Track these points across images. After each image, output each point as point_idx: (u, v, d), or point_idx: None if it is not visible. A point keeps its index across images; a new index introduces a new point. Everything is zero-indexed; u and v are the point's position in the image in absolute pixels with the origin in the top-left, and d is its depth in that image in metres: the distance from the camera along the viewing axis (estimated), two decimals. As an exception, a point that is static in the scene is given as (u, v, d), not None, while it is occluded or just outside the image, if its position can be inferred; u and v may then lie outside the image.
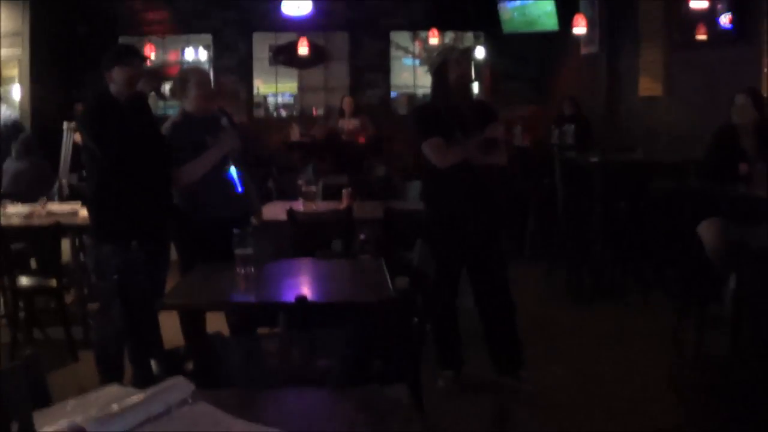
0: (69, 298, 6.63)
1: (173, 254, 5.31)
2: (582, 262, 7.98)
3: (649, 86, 10.78)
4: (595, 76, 12.51)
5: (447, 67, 5.23)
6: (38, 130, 10.21)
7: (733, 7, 8.44)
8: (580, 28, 11.92)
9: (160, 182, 4.93)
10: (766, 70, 7.96)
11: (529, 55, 15.18)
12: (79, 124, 4.88)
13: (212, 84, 5.33)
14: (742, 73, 8.29)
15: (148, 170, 4.84)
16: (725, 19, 8.50)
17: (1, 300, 6.74)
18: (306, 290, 4.08)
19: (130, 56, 4.91)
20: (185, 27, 15.19)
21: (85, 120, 4.82)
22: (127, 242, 4.72)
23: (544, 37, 14.10)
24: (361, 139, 12.75)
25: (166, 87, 5.14)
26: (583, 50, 12.87)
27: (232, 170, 5.15)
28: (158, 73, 5.41)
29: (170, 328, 4.57)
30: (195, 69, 5.33)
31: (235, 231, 4.22)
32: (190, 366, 3.95)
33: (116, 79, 4.79)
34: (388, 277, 4.23)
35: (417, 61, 16.39)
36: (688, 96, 9.68)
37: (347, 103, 13.03)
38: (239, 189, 5.18)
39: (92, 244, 4.86)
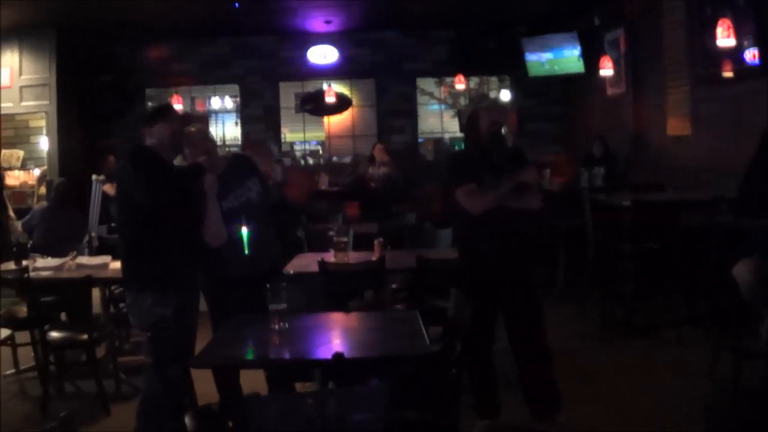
0: (100, 351, 6.62)
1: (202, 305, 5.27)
2: (614, 300, 7.92)
3: (676, 125, 10.72)
4: (622, 116, 12.47)
5: (478, 116, 5.31)
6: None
7: (758, 43, 8.39)
8: (606, 70, 11.91)
9: (194, 235, 4.94)
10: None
11: (554, 96, 15.23)
12: (122, 173, 4.85)
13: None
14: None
15: (187, 222, 4.87)
16: (750, 55, 8.44)
17: (32, 354, 6.76)
18: (341, 345, 4.03)
19: (167, 114, 5.01)
20: (211, 77, 15.38)
21: (134, 168, 4.76)
22: (166, 293, 4.73)
23: (570, 79, 14.12)
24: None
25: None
26: (609, 91, 12.85)
27: (243, 231, 5.10)
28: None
29: (204, 380, 4.53)
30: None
31: (268, 286, 4.19)
32: (225, 423, 3.91)
33: (155, 134, 4.87)
34: (423, 327, 4.19)
35: (443, 106, 16.41)
36: (716, 133, 9.62)
37: (378, 150, 12.79)
38: (246, 251, 5.11)
39: (132, 299, 4.83)
